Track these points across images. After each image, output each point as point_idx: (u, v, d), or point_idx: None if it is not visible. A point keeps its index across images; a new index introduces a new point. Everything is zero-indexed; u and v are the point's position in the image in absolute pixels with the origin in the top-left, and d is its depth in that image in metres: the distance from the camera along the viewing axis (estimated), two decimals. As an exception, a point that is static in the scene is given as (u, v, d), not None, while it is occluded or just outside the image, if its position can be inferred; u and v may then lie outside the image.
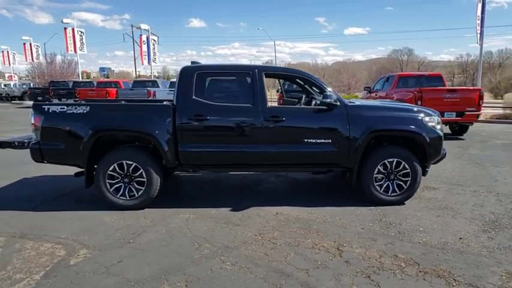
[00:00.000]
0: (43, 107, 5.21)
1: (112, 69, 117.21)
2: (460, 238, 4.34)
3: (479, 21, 17.71)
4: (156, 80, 24.70)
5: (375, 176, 5.35)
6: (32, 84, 35.90)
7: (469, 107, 11.33)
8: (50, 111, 5.17)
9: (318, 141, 5.24)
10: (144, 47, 31.14)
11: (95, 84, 25.72)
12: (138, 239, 4.33)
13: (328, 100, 5.16)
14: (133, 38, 46.87)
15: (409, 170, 5.35)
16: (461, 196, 5.91)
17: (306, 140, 5.24)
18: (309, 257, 3.86)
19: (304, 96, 6.45)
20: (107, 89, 22.29)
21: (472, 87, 14.36)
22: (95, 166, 5.33)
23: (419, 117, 5.40)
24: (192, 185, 6.68)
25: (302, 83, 6.23)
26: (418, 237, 4.36)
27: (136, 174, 5.19)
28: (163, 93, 18.97)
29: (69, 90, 24.74)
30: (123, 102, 6.63)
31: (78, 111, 5.13)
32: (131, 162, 5.15)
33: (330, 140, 5.24)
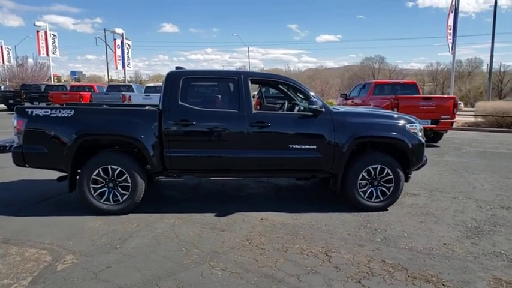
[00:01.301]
0: (26, 110, 5.09)
1: (83, 73, 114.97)
2: (445, 244, 4.45)
3: (450, 31, 18.27)
4: (131, 84, 24.41)
5: (359, 182, 5.43)
6: (2, 87, 34.86)
7: (443, 114, 11.64)
8: (34, 114, 5.05)
9: (303, 147, 5.30)
10: (118, 51, 30.63)
11: (68, 88, 25.19)
12: (124, 245, 4.26)
13: (314, 106, 5.22)
14: (106, 42, 46.17)
15: (392, 176, 5.45)
16: (442, 202, 6.06)
17: (291, 146, 5.28)
18: (299, 263, 3.89)
19: (286, 102, 6.50)
20: (81, 93, 21.89)
21: (446, 96, 14.76)
22: (78, 170, 5.23)
23: (403, 124, 5.53)
24: (175, 190, 6.62)
25: (286, 88, 6.29)
26: (404, 243, 4.45)
27: (121, 178, 5.11)
28: (139, 98, 18.79)
29: (42, 93, 24.15)
30: (105, 106, 6.52)
31: (63, 115, 5.04)
32: (116, 167, 5.08)
33: (315, 146, 5.30)
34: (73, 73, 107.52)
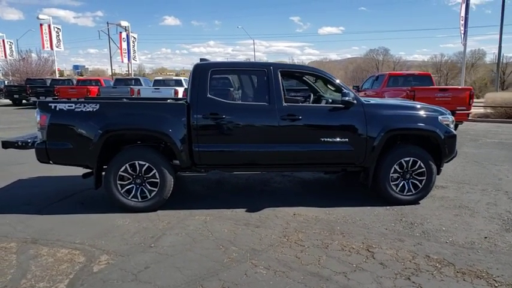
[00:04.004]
0: (49, 104, 4.95)
1: (86, 67, 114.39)
2: (486, 237, 4.33)
3: (463, 22, 18.06)
4: (139, 78, 24.19)
5: (391, 175, 5.30)
6: (6, 82, 34.63)
7: (459, 106, 11.51)
8: (57, 109, 4.91)
9: (335, 140, 5.16)
10: (124, 45, 30.36)
11: (75, 82, 24.97)
12: (159, 243, 4.13)
13: (347, 98, 5.07)
14: (109, 35, 45.85)
15: (424, 169, 5.32)
16: (472, 195, 5.93)
17: (322, 139, 5.14)
18: (342, 260, 3.77)
19: (312, 95, 6.35)
20: (88, 86, 21.66)
21: (462, 87, 14.60)
22: (104, 167, 5.10)
23: (435, 116, 5.39)
24: (198, 185, 6.48)
25: (313, 80, 6.15)
26: (444, 237, 4.33)
27: (149, 174, 4.97)
28: (148, 92, 18.60)
29: (48, 88, 23.91)
30: (125, 100, 6.37)
31: (87, 109, 4.89)
32: (144, 163, 4.94)
33: (347, 139, 5.16)
34: (75, 67, 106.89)
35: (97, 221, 4.78)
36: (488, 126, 15.50)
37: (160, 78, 23.05)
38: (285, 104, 5.13)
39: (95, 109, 4.89)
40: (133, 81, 22.27)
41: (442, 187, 6.31)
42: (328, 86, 5.60)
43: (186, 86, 19.67)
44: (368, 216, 4.97)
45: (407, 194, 5.38)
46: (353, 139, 5.16)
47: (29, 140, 5.20)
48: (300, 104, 5.87)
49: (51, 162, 5.10)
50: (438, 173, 5.55)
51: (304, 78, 6.43)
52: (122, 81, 23.06)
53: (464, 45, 18.61)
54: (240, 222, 4.72)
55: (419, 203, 5.44)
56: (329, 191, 6.28)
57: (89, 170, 5.33)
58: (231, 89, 5.63)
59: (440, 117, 5.41)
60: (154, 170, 4.95)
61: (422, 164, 5.30)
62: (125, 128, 4.99)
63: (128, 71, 35.72)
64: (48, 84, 25.09)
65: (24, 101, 26.24)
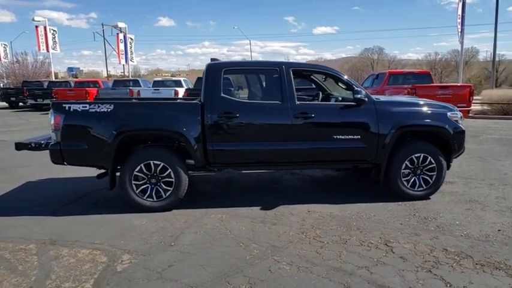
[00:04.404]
0: (63, 105, 4.95)
1: (80, 69, 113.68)
2: (499, 230, 4.40)
3: (459, 20, 18.22)
4: (138, 79, 24.14)
5: (402, 171, 5.36)
6: (2, 85, 34.38)
7: (460, 103, 11.58)
8: (71, 109, 4.92)
9: (347, 137, 5.22)
10: (121, 46, 30.24)
11: (72, 84, 24.84)
12: (179, 242, 4.16)
13: (359, 96, 5.13)
14: (104, 37, 45.76)
15: (434, 165, 5.39)
16: (480, 189, 6.01)
17: (335, 137, 5.20)
18: (362, 254, 3.82)
19: (320, 93, 6.41)
20: (86, 88, 21.50)
21: (462, 84, 14.72)
22: (118, 167, 5.12)
23: (444, 112, 5.47)
24: (209, 184, 6.51)
25: (323, 79, 6.20)
26: (458, 231, 4.39)
27: (164, 174, 5.00)
28: (148, 93, 18.57)
29: (45, 90, 23.74)
30: (134, 100, 6.39)
31: (102, 110, 4.91)
32: (159, 162, 4.96)
33: (359, 136, 5.22)
34: (70, 69, 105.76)
35: (113, 221, 4.80)
36: (486, 122, 15.64)
37: (159, 79, 23.04)
38: (297, 102, 5.18)
39: (109, 109, 4.91)
40: (131, 82, 22.20)
41: (450, 182, 6.38)
42: (339, 84, 5.65)
43: (185, 87, 19.69)
44: (382, 212, 5.03)
45: (419, 189, 5.45)
46: (365, 136, 5.22)
47: (42, 142, 5.21)
48: (313, 102, 5.92)
49: (65, 163, 5.09)
50: (448, 168, 5.62)
51: (312, 76, 6.48)
52: (120, 82, 22.95)
53: (462, 43, 18.79)
54: (257, 220, 4.76)
55: (430, 198, 5.51)
56: (338, 188, 6.33)
57: (102, 171, 5.35)
58: (243, 88, 5.67)
59: (449, 114, 5.49)
60: (170, 170, 4.98)
61: (432, 160, 5.38)
62: (141, 128, 5.01)
63: (123, 72, 35.61)
64: (45, 87, 24.94)
65: (21, 104, 26.04)
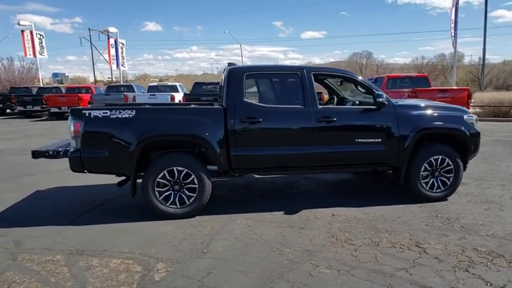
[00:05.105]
0: (83, 111, 4.88)
1: (66, 74, 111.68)
2: (522, 229, 4.48)
3: (453, 25, 18.53)
4: (131, 84, 23.92)
5: (421, 173, 5.42)
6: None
7: (459, 105, 11.76)
8: (92, 116, 4.85)
9: (369, 140, 5.26)
10: (112, 51, 29.98)
11: (64, 90, 24.48)
12: (211, 248, 4.14)
13: (381, 99, 5.19)
14: (91, 42, 45.27)
15: (452, 167, 5.47)
16: (493, 190, 6.11)
17: (356, 140, 5.24)
18: (397, 256, 3.85)
19: (335, 97, 6.45)
20: (79, 94, 21.22)
21: (461, 87, 14.96)
22: (140, 174, 5.07)
23: (461, 115, 5.58)
24: (226, 189, 6.48)
25: (340, 83, 6.27)
26: (483, 231, 4.46)
27: (188, 180, 4.97)
28: (144, 98, 18.42)
29: (34, 96, 23.33)
30: (147, 106, 6.34)
31: (124, 116, 4.85)
32: (182, 169, 4.93)
33: (380, 139, 5.27)
34: (55, 75, 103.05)
35: (137, 229, 4.74)
36: (481, 125, 15.78)
37: (154, 84, 22.89)
38: (319, 106, 5.21)
39: (131, 115, 4.86)
40: (125, 88, 21.99)
41: (464, 184, 6.44)
42: (359, 87, 5.69)
43: (181, 92, 19.59)
44: (404, 213, 5.08)
45: (437, 191, 5.52)
46: (386, 139, 5.27)
47: (60, 149, 5.13)
48: (334, 106, 5.96)
49: (85, 171, 5.01)
50: (464, 170, 5.70)
51: (325, 80, 6.52)
52: (114, 88, 22.70)
53: (455, 47, 19.12)
54: (284, 225, 4.76)
55: (447, 200, 5.58)
56: (355, 191, 6.37)
57: (123, 178, 5.30)
58: (265, 92, 5.67)
59: (465, 116, 5.60)
60: (193, 176, 4.95)
61: (450, 162, 5.46)
62: (164, 134, 4.97)
63: (111, 77, 35.24)
64: (34, 93, 24.55)
65: (8, 111, 25.56)
